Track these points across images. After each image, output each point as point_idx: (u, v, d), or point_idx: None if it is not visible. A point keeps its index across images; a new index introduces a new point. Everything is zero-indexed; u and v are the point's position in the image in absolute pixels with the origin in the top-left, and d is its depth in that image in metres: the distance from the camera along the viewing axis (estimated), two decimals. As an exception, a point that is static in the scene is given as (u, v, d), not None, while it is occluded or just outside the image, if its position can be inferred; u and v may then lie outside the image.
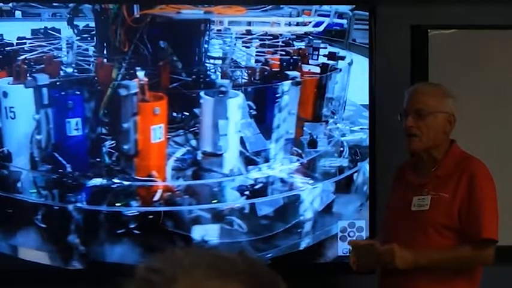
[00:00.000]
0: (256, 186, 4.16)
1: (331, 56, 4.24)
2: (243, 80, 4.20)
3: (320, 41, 4.24)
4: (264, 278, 1.01)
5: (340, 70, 4.24)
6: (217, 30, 4.21)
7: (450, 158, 3.40)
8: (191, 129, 4.16)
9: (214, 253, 1.03)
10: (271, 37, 4.25)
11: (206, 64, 4.21)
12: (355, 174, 4.25)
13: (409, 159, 3.60)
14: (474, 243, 3.29)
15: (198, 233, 4.11)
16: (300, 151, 4.21)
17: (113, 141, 4.10)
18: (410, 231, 3.32)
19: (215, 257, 1.02)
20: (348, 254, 4.15)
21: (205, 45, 4.19)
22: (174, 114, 4.13)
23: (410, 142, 3.38)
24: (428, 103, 3.37)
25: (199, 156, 4.14)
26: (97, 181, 4.08)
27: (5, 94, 4.03)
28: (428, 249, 3.31)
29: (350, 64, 4.25)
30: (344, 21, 4.27)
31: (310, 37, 4.24)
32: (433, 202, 3.33)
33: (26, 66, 4.07)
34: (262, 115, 4.17)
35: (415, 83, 3.56)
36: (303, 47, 4.24)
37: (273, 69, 4.21)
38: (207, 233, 4.11)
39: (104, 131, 4.11)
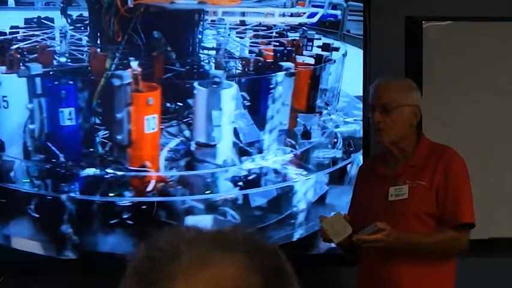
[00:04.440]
0: (250, 177, 4.16)
1: (325, 47, 4.24)
2: (237, 71, 4.20)
3: (314, 32, 4.24)
4: (265, 248, 1.02)
5: (334, 61, 4.23)
6: (211, 20, 4.20)
7: (421, 149, 3.46)
8: (185, 120, 4.15)
9: (214, 229, 1.04)
10: (265, 28, 4.24)
11: (200, 54, 4.20)
12: (349, 165, 4.25)
13: (376, 154, 3.63)
14: (453, 228, 3.33)
15: (191, 223, 4.10)
16: (293, 142, 4.21)
17: (106, 132, 4.09)
18: (390, 222, 3.33)
19: (216, 231, 1.03)
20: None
21: (199, 36, 4.18)
22: (168, 104, 4.13)
23: (379, 136, 3.43)
24: (393, 97, 3.41)
25: (193, 146, 4.14)
26: (90, 171, 4.07)
27: (-2, 83, 4.02)
28: (408, 232, 3.34)
29: (344, 55, 4.24)
30: (338, 12, 4.26)
31: (304, 28, 4.23)
32: (412, 190, 3.38)
33: (19, 56, 4.05)
34: (256, 106, 4.17)
35: (379, 78, 3.57)
36: (297, 38, 4.23)
37: (267, 60, 4.20)
38: (200, 223, 4.10)
39: (97, 121, 4.11)
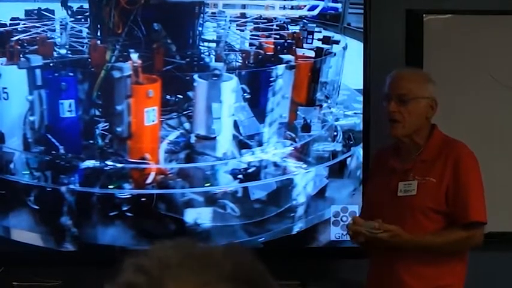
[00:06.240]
0: (249, 170, 4.16)
1: (326, 40, 4.23)
2: (237, 64, 4.19)
3: (314, 25, 4.23)
4: (254, 276, 0.99)
5: (335, 54, 4.23)
6: (212, 13, 4.20)
7: (433, 143, 3.41)
8: (185, 112, 4.15)
9: (203, 251, 1.00)
10: (265, 20, 4.24)
11: (200, 47, 4.19)
12: (349, 158, 4.24)
13: (388, 144, 3.60)
14: (463, 226, 3.31)
15: (190, 216, 4.11)
16: (293, 135, 4.21)
17: (106, 124, 4.09)
18: (398, 217, 3.32)
19: (203, 257, 0.99)
20: (340, 239, 4.16)
21: (200, 28, 4.17)
22: (168, 97, 4.12)
23: (392, 128, 3.39)
24: (410, 88, 3.38)
25: (193, 139, 4.13)
26: (90, 163, 4.07)
27: (-2, 75, 4.02)
28: (420, 235, 3.32)
29: (344, 48, 4.24)
30: (339, 5, 4.25)
31: (305, 21, 4.23)
32: (420, 187, 3.34)
33: (19, 47, 4.05)
34: (256, 99, 4.16)
35: (397, 69, 3.55)
36: (298, 31, 4.22)
37: (267, 53, 4.20)
38: (200, 216, 4.11)
39: (97, 113, 4.10)
